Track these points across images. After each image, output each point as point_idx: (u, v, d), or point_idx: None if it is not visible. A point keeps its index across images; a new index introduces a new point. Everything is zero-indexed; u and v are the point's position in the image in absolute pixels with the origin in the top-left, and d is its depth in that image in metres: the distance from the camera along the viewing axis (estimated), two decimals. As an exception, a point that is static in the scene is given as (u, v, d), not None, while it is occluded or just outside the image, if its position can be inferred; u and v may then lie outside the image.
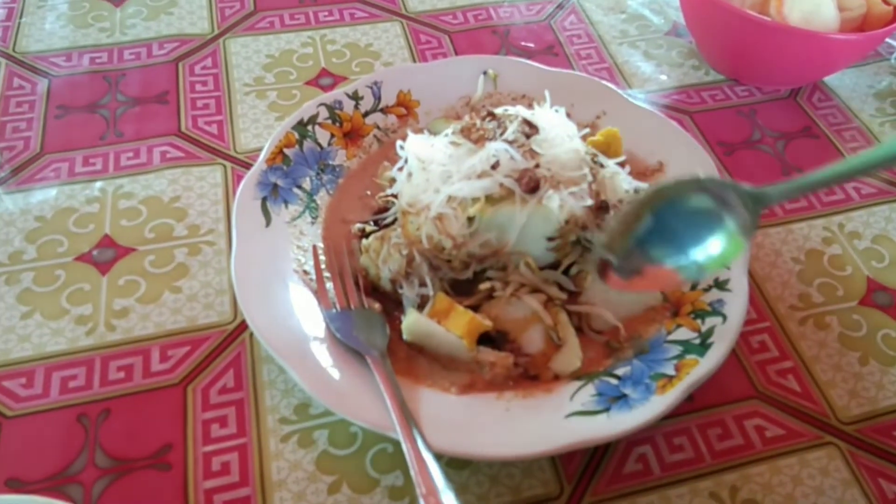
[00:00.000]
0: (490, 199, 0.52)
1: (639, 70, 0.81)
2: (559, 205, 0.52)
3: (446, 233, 0.53)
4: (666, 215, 0.48)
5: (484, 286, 0.54)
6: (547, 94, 0.61)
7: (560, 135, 0.55)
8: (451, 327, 0.51)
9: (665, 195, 0.48)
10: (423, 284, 0.54)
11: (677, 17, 0.88)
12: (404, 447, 0.45)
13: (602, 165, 0.57)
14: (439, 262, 0.54)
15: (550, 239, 0.54)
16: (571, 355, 0.52)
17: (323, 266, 0.57)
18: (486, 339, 0.53)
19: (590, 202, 0.53)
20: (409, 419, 0.46)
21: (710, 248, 0.48)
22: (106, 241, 0.62)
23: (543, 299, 0.54)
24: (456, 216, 0.52)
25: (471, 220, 0.52)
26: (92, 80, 0.76)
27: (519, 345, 0.53)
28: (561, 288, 0.55)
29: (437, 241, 0.53)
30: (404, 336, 0.53)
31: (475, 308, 0.53)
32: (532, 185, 0.51)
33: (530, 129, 0.54)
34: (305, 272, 0.57)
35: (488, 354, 0.52)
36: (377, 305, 0.56)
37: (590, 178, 0.54)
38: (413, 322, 0.52)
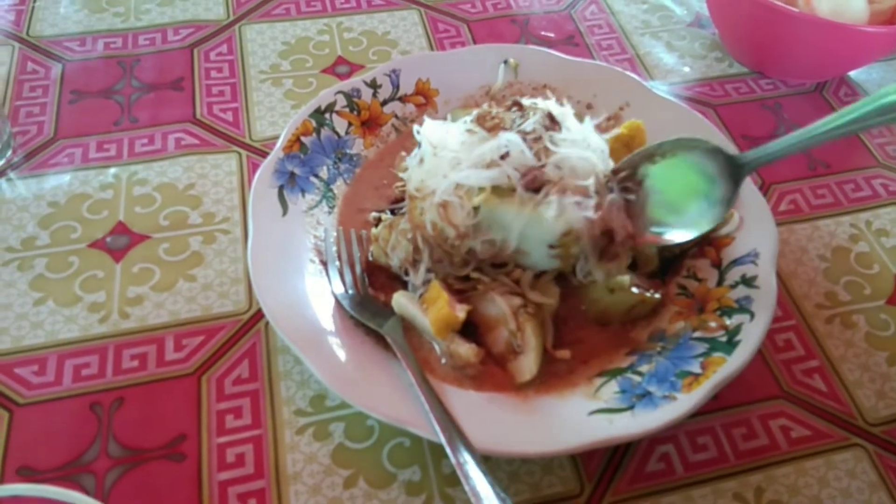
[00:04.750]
0: (497, 191, 0.50)
1: (661, 62, 0.80)
2: (556, 214, 0.49)
3: (449, 221, 0.51)
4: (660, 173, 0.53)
5: (474, 275, 0.53)
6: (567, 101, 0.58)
7: (580, 140, 0.52)
8: (428, 315, 0.51)
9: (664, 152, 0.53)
10: (430, 271, 0.54)
11: (700, 8, 0.86)
12: (426, 405, 0.46)
13: (611, 190, 0.53)
14: (441, 253, 0.53)
15: (552, 247, 0.51)
16: (523, 367, 0.50)
17: (335, 250, 0.57)
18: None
19: (592, 215, 0.50)
20: (432, 390, 0.47)
21: (691, 212, 0.52)
22: (120, 227, 0.61)
23: (517, 304, 0.52)
24: (461, 205, 0.51)
25: (476, 209, 0.51)
26: (106, 66, 0.75)
27: (486, 341, 0.52)
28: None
29: (441, 229, 0.52)
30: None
31: (466, 297, 0.53)
32: (535, 185, 0.50)
33: (551, 123, 0.52)
34: (322, 262, 0.56)
35: (459, 345, 0.51)
36: (382, 297, 0.55)
37: (594, 194, 0.50)
38: (394, 302, 0.53)
